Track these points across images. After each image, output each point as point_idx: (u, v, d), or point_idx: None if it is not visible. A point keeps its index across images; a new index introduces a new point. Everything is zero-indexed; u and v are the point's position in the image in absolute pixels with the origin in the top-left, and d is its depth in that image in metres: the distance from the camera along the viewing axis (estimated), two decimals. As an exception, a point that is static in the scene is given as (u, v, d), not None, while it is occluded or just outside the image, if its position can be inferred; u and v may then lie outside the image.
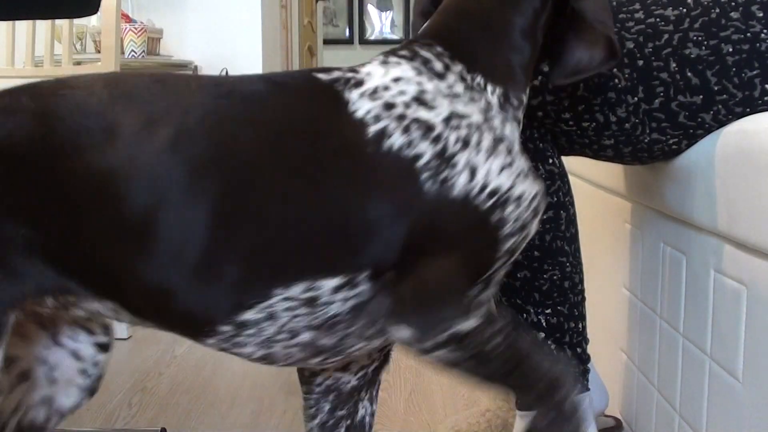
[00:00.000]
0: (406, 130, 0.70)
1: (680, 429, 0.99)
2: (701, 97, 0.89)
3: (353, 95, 0.71)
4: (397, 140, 0.70)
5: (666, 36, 0.89)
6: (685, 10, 0.89)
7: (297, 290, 0.66)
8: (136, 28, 2.71)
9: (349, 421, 0.87)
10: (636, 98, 0.91)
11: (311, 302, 0.67)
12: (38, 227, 0.63)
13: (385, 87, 0.72)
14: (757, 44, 0.85)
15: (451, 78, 0.74)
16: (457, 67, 0.75)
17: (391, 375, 1.62)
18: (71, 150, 0.64)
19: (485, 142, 0.72)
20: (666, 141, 0.93)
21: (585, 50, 0.77)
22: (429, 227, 0.69)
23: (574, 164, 1.47)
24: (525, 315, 1.00)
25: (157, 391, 1.53)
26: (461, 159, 0.70)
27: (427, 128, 0.71)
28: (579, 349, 1.01)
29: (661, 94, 0.90)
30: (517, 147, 0.74)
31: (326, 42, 6.74)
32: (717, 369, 0.88)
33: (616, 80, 0.91)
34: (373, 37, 7.50)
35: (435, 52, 0.75)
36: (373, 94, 0.72)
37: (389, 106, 0.71)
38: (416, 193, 0.69)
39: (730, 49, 0.86)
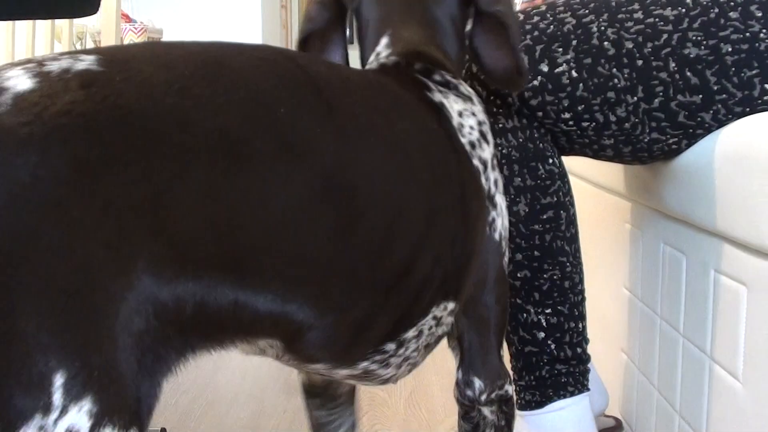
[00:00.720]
0: (482, 170, 0.72)
1: (680, 429, 0.99)
2: (701, 96, 0.89)
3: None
4: (482, 179, 0.72)
5: (665, 36, 0.89)
6: (684, 10, 0.89)
7: (441, 310, 0.69)
8: (136, 28, 2.71)
9: (353, 412, 0.90)
10: (635, 98, 0.91)
11: (438, 323, 0.70)
12: None
13: (461, 124, 0.73)
14: (756, 44, 0.85)
15: (476, 101, 0.76)
16: (467, 88, 0.76)
17: (391, 375, 1.62)
18: None
19: (500, 178, 0.75)
20: (666, 140, 0.93)
21: (504, 56, 0.80)
22: (484, 269, 0.73)
23: (575, 164, 1.47)
24: (525, 314, 1.00)
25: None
26: (498, 200, 0.73)
27: (485, 167, 0.73)
28: (579, 349, 1.01)
29: (661, 93, 0.90)
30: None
31: (326, 42, 6.73)
32: (717, 369, 0.88)
33: (616, 80, 0.91)
34: (373, 37, 7.49)
35: (446, 78, 0.75)
36: (461, 129, 0.73)
37: (472, 145, 0.73)
38: (484, 233, 0.72)
39: (729, 49, 0.86)
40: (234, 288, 0.51)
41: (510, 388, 0.78)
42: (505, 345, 1.05)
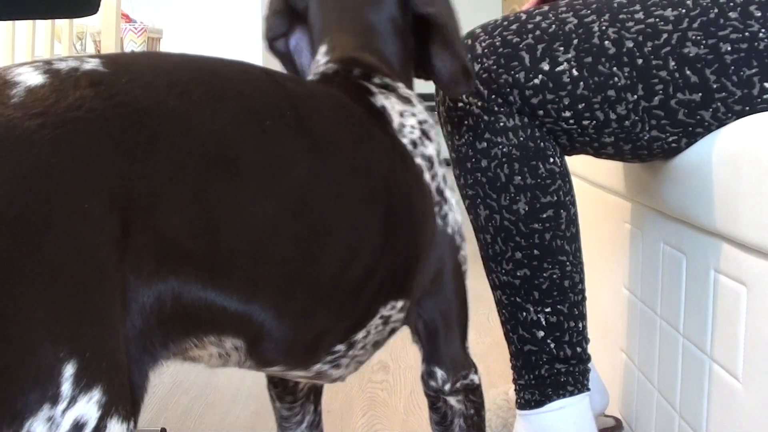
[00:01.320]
0: (427, 168, 0.75)
1: (680, 429, 0.99)
2: (700, 94, 0.89)
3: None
4: (427, 176, 0.74)
5: (665, 35, 0.89)
6: (684, 10, 0.89)
7: (389, 309, 0.71)
8: (136, 28, 2.71)
9: (320, 409, 0.92)
10: (636, 96, 0.91)
11: (386, 321, 0.72)
12: None
13: (402, 124, 0.76)
14: (756, 43, 0.86)
15: (415, 102, 0.79)
16: (406, 90, 0.80)
17: (391, 375, 1.62)
18: None
19: (448, 174, 0.78)
20: (665, 138, 0.93)
21: (447, 62, 0.83)
22: (440, 263, 0.75)
23: (575, 164, 1.47)
24: (524, 313, 1.00)
25: (157, 391, 1.53)
26: (447, 195, 0.76)
27: (430, 164, 0.76)
28: (579, 349, 1.01)
29: (661, 91, 0.90)
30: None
31: (326, 42, 6.73)
32: (717, 369, 0.88)
33: (616, 78, 0.91)
34: (373, 37, 7.49)
35: (385, 81, 0.78)
36: (402, 130, 0.76)
37: (413, 144, 0.76)
38: (435, 230, 0.75)
39: (729, 48, 0.87)
40: (207, 287, 0.53)
41: (476, 378, 0.80)
42: (504, 345, 1.06)
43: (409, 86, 0.85)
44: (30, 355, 0.40)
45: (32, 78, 0.47)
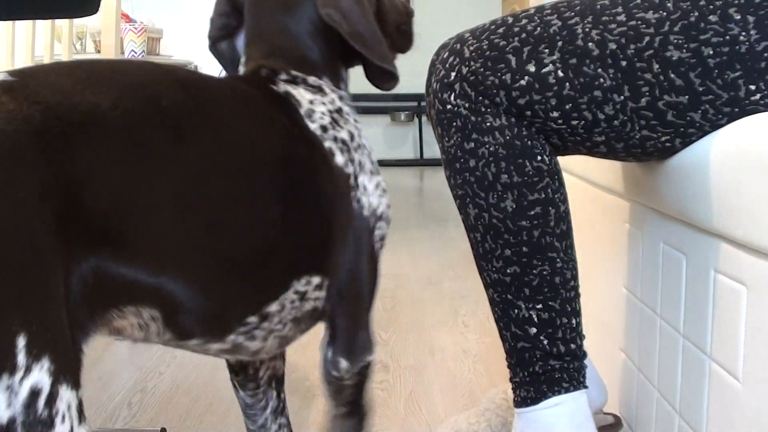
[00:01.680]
0: (341, 150, 0.80)
1: (680, 429, 0.99)
2: (687, 97, 0.89)
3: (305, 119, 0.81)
4: (340, 158, 0.80)
5: (647, 38, 0.90)
6: (665, 13, 0.89)
7: (302, 283, 0.76)
8: (136, 28, 2.71)
9: (283, 396, 0.98)
10: (622, 97, 0.92)
11: (302, 297, 0.77)
12: None
13: (312, 110, 0.82)
14: (737, 46, 0.86)
15: (327, 91, 0.85)
16: (320, 80, 0.87)
17: (391, 375, 1.62)
18: None
19: (367, 161, 0.84)
20: (658, 138, 0.94)
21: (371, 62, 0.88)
22: (356, 245, 0.80)
23: (574, 164, 1.47)
24: (516, 310, 1.00)
25: (157, 391, 1.53)
26: (362, 180, 0.82)
27: (345, 148, 0.82)
28: (573, 345, 1.01)
29: (647, 93, 0.91)
30: (372, 154, 0.86)
31: (326, 42, 6.73)
32: (717, 369, 0.88)
33: (601, 79, 0.92)
34: (373, 37, 7.49)
35: (293, 74, 0.85)
36: (311, 115, 0.82)
37: (323, 128, 0.81)
38: (351, 211, 0.80)
39: (711, 52, 0.87)
40: (120, 263, 0.59)
41: (373, 357, 0.86)
42: (500, 343, 1.06)
43: (336, 81, 0.90)
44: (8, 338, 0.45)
45: None
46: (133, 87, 0.64)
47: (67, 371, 0.48)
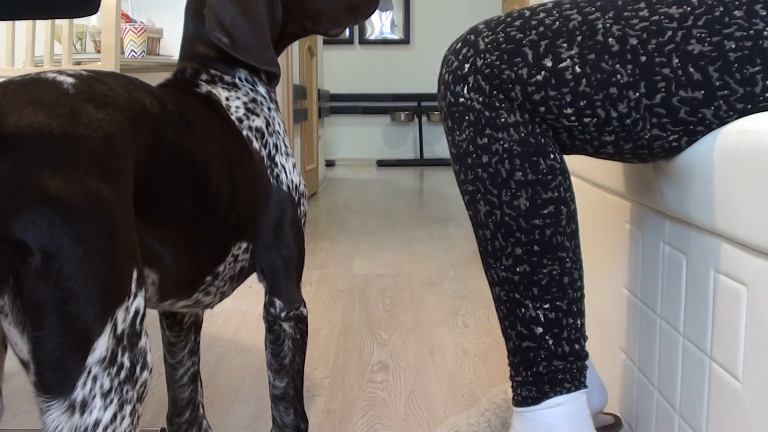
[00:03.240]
0: (256, 138, 0.97)
1: (680, 429, 0.99)
2: (702, 92, 0.89)
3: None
4: (255, 144, 0.96)
5: (669, 33, 0.90)
6: (689, 8, 0.90)
7: (237, 249, 0.93)
8: (136, 28, 2.71)
9: (199, 339, 1.15)
10: (637, 93, 0.91)
11: (236, 259, 0.94)
12: None
13: (228, 105, 0.97)
14: (760, 41, 0.86)
15: (239, 86, 1.00)
16: (234, 78, 1.01)
17: (391, 375, 1.62)
18: None
19: (281, 144, 0.99)
20: (666, 137, 0.93)
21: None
22: (278, 215, 0.98)
23: (575, 164, 1.47)
24: (523, 310, 1.00)
25: (157, 392, 1.53)
26: (278, 160, 0.98)
27: (261, 134, 0.97)
28: (577, 346, 1.01)
29: (663, 89, 0.90)
30: (287, 139, 1.02)
31: (326, 42, 6.74)
32: (717, 369, 0.88)
33: (618, 76, 0.92)
34: (372, 37, 7.50)
35: (212, 73, 1.00)
36: (228, 109, 0.97)
37: (239, 120, 0.97)
38: (270, 187, 0.96)
39: (733, 46, 0.87)
40: (150, 234, 0.74)
41: (304, 311, 1.03)
42: (504, 345, 1.06)
43: (256, 72, 1.03)
44: (124, 267, 0.61)
45: (67, 78, 0.65)
46: (150, 93, 0.78)
47: (146, 299, 0.66)
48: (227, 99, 0.97)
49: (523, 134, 0.97)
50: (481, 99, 0.97)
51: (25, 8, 1.31)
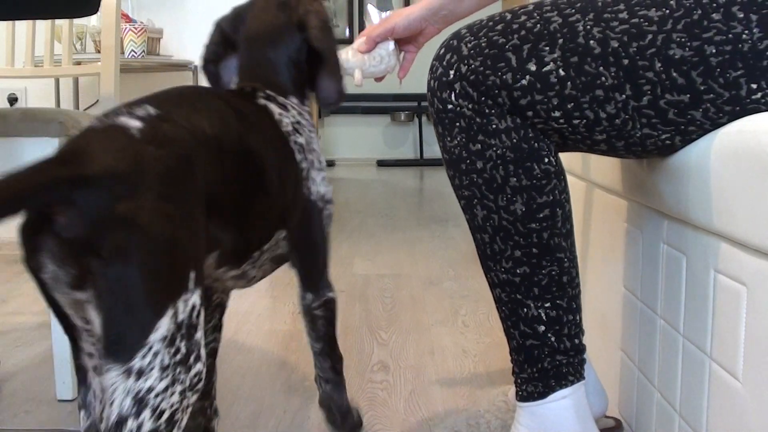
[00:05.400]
0: (298, 151, 1.12)
1: (680, 429, 0.99)
2: (689, 96, 0.89)
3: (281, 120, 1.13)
4: (298, 156, 1.11)
5: (650, 36, 0.89)
6: (668, 11, 0.89)
7: (279, 233, 1.09)
8: (136, 28, 2.71)
9: (223, 321, 1.28)
10: (624, 95, 0.91)
11: (277, 244, 1.10)
12: None
13: (280, 120, 1.11)
14: (740, 45, 0.86)
15: (292, 110, 1.15)
16: (287, 100, 1.16)
17: (391, 375, 1.62)
18: None
19: (316, 161, 1.16)
20: (658, 136, 0.94)
21: (330, 84, 1.19)
22: (307, 215, 1.15)
23: (574, 164, 1.47)
24: (525, 309, 1.01)
25: (157, 391, 1.53)
26: (311, 174, 1.14)
27: (302, 149, 1.13)
28: (576, 340, 1.03)
29: (649, 92, 0.90)
30: (322, 157, 1.18)
31: (326, 42, 6.72)
32: (717, 369, 0.88)
33: (603, 78, 0.91)
34: (373, 37, 7.48)
35: (268, 93, 1.15)
36: (281, 123, 1.12)
37: (288, 133, 1.12)
38: (303, 193, 1.14)
39: (713, 50, 0.87)
40: (220, 226, 0.91)
41: (330, 295, 1.19)
42: (504, 345, 1.06)
43: (302, 100, 1.20)
44: (182, 269, 0.76)
45: (136, 123, 0.80)
46: (210, 111, 0.93)
47: (202, 299, 0.78)
48: (279, 115, 1.12)
49: (515, 140, 0.97)
50: (470, 106, 0.98)
51: (25, 8, 1.31)
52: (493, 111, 0.97)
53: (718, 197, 0.86)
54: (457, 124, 0.99)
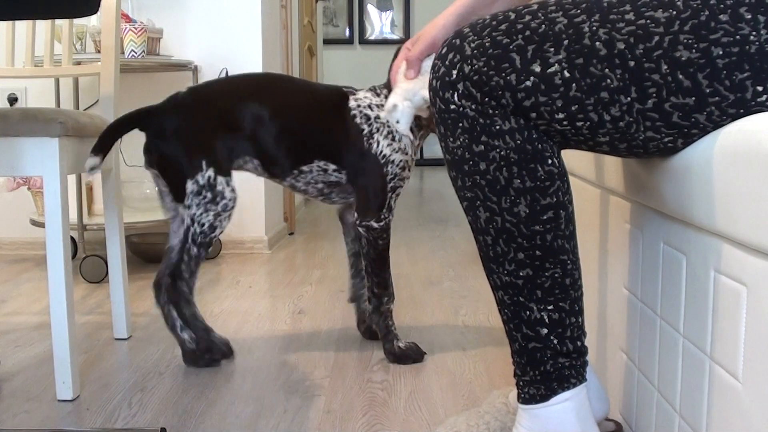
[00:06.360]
0: (363, 118, 1.68)
1: (680, 429, 0.99)
2: (694, 99, 0.89)
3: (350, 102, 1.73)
4: (359, 121, 1.68)
5: (656, 38, 0.89)
6: (674, 12, 0.88)
7: (321, 162, 1.68)
8: (136, 28, 2.71)
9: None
10: (629, 98, 0.91)
11: (324, 171, 1.69)
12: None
13: (364, 97, 1.73)
14: (747, 46, 0.85)
15: (381, 95, 1.73)
16: (383, 90, 1.75)
17: (391, 375, 1.62)
18: None
19: (384, 129, 1.68)
20: (661, 139, 0.93)
21: None
22: (363, 162, 1.68)
23: (574, 164, 1.47)
24: (528, 312, 1.00)
25: (157, 391, 1.53)
26: (376, 136, 1.67)
27: (368, 119, 1.68)
28: (579, 342, 1.02)
29: (654, 95, 0.90)
30: (400, 134, 1.67)
31: (326, 42, 6.74)
32: (717, 369, 0.88)
33: (609, 80, 0.91)
34: (372, 37, 7.50)
35: (380, 88, 1.76)
36: (356, 101, 1.72)
37: (364, 107, 1.70)
38: (362, 143, 1.68)
39: (720, 52, 0.86)
40: (234, 141, 1.66)
41: (374, 224, 1.69)
42: (505, 345, 1.06)
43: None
44: (196, 157, 1.60)
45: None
46: (279, 87, 1.71)
47: (220, 173, 1.60)
48: (365, 98, 1.71)
49: (519, 141, 0.96)
50: (473, 106, 0.97)
51: (25, 8, 1.31)
52: (496, 112, 0.96)
53: (718, 197, 0.86)
54: (460, 124, 0.98)
